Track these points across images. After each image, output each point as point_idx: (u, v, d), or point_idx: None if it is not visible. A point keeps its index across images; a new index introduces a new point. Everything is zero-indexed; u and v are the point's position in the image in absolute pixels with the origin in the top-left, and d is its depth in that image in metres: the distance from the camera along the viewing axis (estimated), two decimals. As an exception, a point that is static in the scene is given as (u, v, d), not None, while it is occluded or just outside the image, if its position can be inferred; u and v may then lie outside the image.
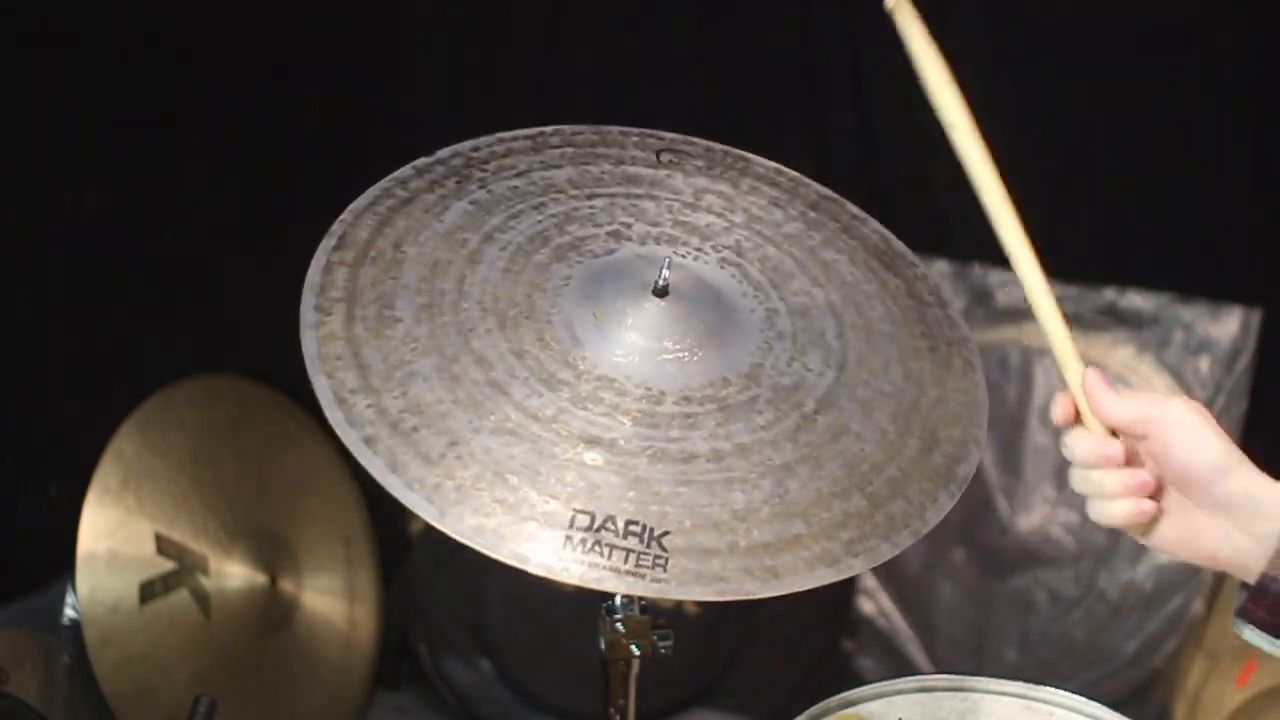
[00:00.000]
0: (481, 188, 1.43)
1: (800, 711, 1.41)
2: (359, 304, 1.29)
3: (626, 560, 1.16)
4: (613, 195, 1.46)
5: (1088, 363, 1.20)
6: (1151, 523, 1.14)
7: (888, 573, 2.93)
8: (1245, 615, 1.10)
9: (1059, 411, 1.19)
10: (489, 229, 1.39)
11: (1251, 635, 1.11)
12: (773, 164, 1.55)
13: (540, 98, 2.88)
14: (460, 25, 2.91)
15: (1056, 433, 2.89)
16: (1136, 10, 2.62)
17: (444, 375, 1.26)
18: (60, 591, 2.33)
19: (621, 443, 1.23)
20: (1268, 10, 2.54)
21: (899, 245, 1.52)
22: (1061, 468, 2.49)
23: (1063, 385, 1.21)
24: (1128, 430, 1.15)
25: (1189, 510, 1.13)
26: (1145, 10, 2.62)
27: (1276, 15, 2.53)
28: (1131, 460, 1.15)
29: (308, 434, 2.71)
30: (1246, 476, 1.10)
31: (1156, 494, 1.14)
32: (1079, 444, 1.17)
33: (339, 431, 1.21)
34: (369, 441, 1.20)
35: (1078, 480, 1.18)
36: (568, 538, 1.17)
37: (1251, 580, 1.10)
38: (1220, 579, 2.78)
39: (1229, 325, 2.73)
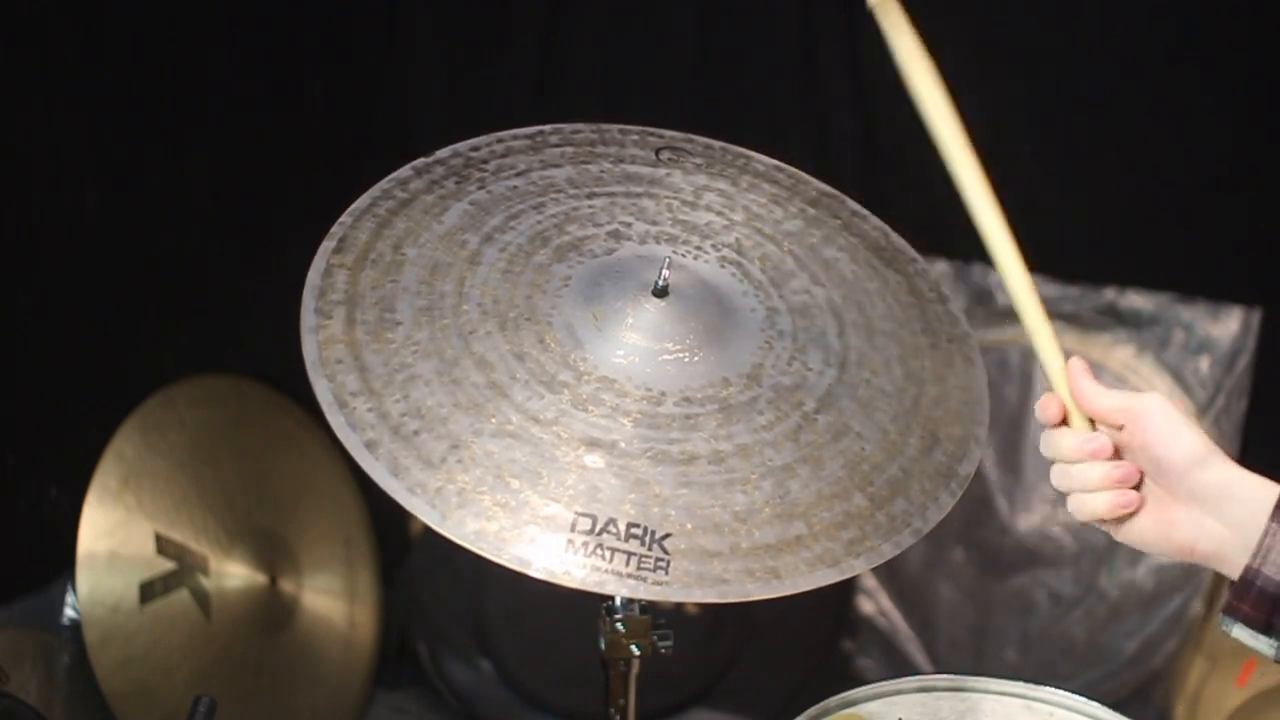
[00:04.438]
0: (481, 188, 1.43)
1: (800, 711, 1.40)
2: (359, 307, 1.29)
3: (628, 563, 1.16)
4: (612, 194, 1.46)
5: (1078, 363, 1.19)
6: (1132, 514, 1.15)
7: (888, 573, 2.93)
8: (1231, 611, 1.11)
9: (1050, 412, 1.19)
10: (489, 229, 1.39)
11: (1240, 633, 1.12)
12: (772, 161, 1.55)
13: (540, 98, 2.88)
14: (460, 24, 2.90)
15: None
16: (1136, 11, 2.62)
17: (445, 378, 1.25)
18: (60, 591, 2.32)
19: (622, 445, 1.23)
20: (1267, 11, 2.53)
21: (899, 241, 1.52)
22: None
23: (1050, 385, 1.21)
24: (1108, 419, 1.16)
25: (1165, 502, 1.14)
26: (1145, 11, 2.61)
27: (1275, 16, 2.53)
28: (1112, 453, 1.16)
29: (308, 434, 2.71)
30: (1221, 467, 1.12)
31: (1138, 485, 1.15)
32: (1064, 440, 1.18)
33: (340, 435, 1.21)
34: (370, 445, 1.20)
35: (1058, 477, 1.19)
36: (569, 541, 1.17)
37: (1230, 573, 1.11)
38: (1219, 580, 2.77)
39: (1229, 325, 2.72)
